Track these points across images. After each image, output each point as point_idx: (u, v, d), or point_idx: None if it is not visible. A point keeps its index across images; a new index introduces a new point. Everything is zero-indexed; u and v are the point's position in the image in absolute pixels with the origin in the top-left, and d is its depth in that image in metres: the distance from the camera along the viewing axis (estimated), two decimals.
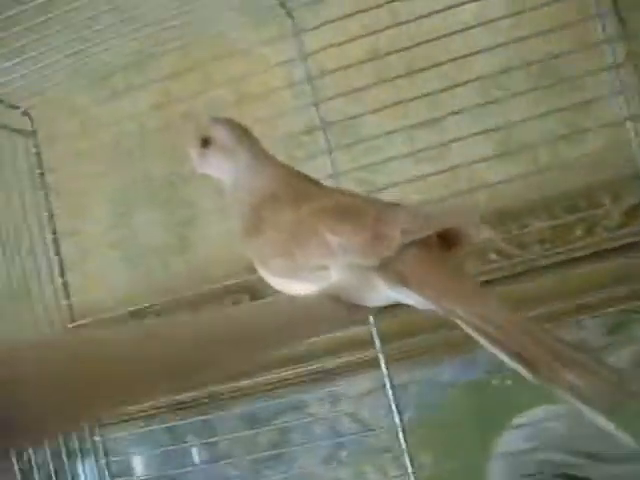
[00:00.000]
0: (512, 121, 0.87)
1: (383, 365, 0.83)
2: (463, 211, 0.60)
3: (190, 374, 0.39)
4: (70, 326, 0.93)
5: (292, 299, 0.59)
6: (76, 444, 0.95)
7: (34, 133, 0.94)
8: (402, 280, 0.56)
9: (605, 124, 0.82)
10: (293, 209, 0.60)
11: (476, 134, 0.86)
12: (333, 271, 0.58)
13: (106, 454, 0.92)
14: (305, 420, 0.92)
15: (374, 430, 0.89)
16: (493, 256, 0.85)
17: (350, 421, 0.92)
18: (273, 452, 0.92)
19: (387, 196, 0.91)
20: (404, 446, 0.82)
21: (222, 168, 0.65)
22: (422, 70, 0.89)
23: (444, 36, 0.85)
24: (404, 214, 0.58)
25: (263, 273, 0.62)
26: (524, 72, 0.89)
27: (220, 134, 0.65)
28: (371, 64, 0.92)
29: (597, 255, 0.81)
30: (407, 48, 0.89)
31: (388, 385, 0.83)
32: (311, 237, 0.58)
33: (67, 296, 0.93)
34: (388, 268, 0.56)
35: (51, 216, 0.93)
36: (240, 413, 0.93)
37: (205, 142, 0.65)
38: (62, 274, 0.93)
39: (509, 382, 0.88)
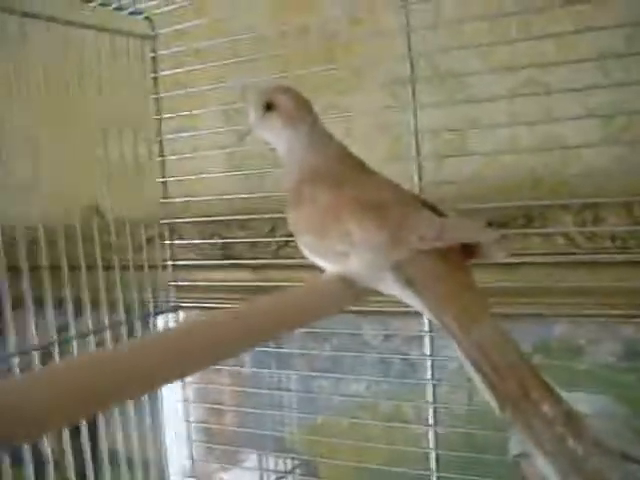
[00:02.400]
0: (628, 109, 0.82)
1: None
2: (483, 228, 0.60)
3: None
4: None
5: (313, 284, 0.64)
6: None
7: (154, 37, 1.01)
8: (410, 284, 0.59)
9: None
10: (330, 192, 0.63)
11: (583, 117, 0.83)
12: (353, 258, 0.61)
13: None
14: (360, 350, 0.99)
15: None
16: (561, 240, 0.84)
17: (400, 360, 0.97)
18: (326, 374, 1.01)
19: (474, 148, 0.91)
20: (430, 400, 0.87)
21: (279, 135, 0.68)
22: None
23: None
24: (424, 221, 0.59)
25: (298, 244, 0.66)
26: None
27: (285, 102, 0.68)
28: None
29: None
30: None
31: (427, 335, 0.88)
32: (338, 224, 0.61)
33: (165, 197, 1.03)
34: (401, 269, 0.59)
35: (160, 119, 1.02)
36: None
37: (268, 106, 0.68)
38: (163, 174, 1.03)
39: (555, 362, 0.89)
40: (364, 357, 0.99)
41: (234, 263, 1.04)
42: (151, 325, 1.02)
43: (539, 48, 0.86)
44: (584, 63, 0.83)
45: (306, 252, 0.66)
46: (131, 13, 0.96)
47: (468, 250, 0.60)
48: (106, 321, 0.93)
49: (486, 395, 0.53)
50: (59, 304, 0.90)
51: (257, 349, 1.06)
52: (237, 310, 0.55)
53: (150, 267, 1.02)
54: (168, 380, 0.45)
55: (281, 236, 1.00)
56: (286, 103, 0.68)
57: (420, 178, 0.85)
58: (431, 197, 0.86)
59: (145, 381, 0.44)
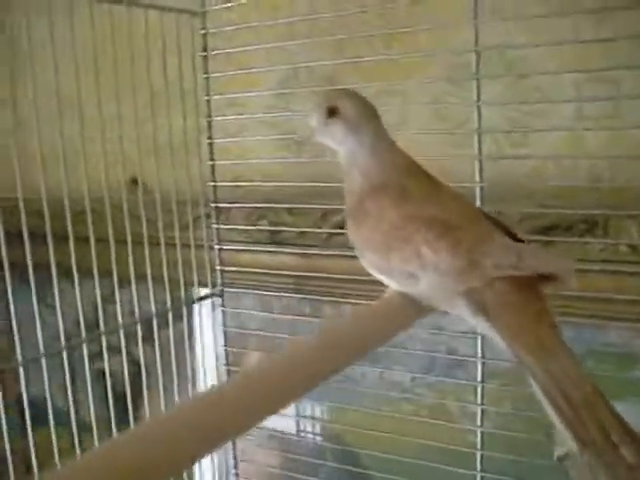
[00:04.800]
0: None
1: None
2: (559, 259, 0.58)
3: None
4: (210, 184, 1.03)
5: (378, 305, 0.63)
6: None
7: (204, 14, 0.97)
8: (483, 311, 0.58)
9: None
10: (395, 207, 0.61)
11: None
12: (423, 281, 0.59)
13: None
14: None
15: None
16: (624, 249, 0.81)
17: (445, 351, 0.96)
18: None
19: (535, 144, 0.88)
20: (479, 402, 0.87)
21: (343, 141, 0.66)
22: None
23: None
24: (500, 247, 0.57)
25: (360, 259, 0.64)
26: None
27: (348, 107, 0.65)
28: None
29: None
30: None
31: (479, 336, 0.87)
32: (408, 245, 0.59)
33: (213, 178, 1.01)
34: (473, 295, 0.58)
35: (209, 100, 0.99)
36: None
37: (331, 112, 0.65)
38: (211, 157, 1.00)
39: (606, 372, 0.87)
40: (410, 349, 0.98)
41: (283, 250, 1.03)
42: (197, 309, 1.01)
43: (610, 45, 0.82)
44: None
45: (370, 270, 0.64)
46: None
47: (540, 276, 0.58)
48: (152, 306, 0.93)
49: (564, 433, 0.52)
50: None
51: None
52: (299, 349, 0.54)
53: (196, 247, 1.01)
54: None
55: (331, 227, 0.99)
56: (350, 109, 0.65)
57: (482, 179, 0.82)
58: (489, 196, 0.86)
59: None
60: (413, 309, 0.62)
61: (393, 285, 0.63)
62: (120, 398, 0.99)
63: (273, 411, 0.47)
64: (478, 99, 0.81)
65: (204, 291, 1.04)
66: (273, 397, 0.47)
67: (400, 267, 0.60)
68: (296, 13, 1.00)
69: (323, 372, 0.53)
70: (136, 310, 0.92)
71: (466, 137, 0.87)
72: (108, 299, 0.94)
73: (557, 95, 0.86)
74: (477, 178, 0.82)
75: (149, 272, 0.92)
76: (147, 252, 0.91)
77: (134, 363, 0.99)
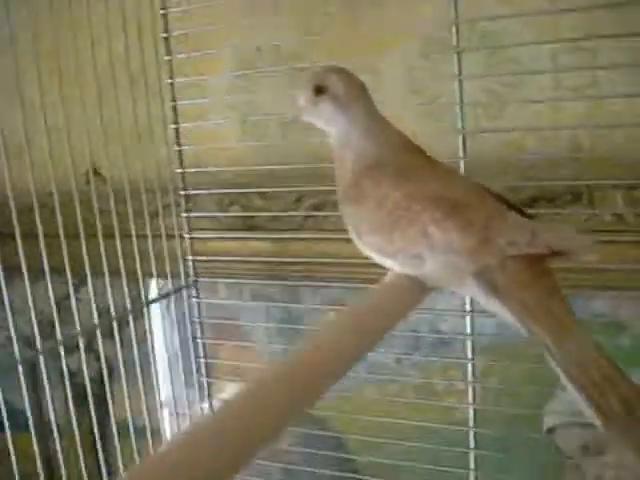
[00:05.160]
0: None
1: None
2: (575, 234, 0.56)
3: None
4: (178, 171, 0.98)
5: (381, 291, 0.60)
6: None
7: None
8: (495, 290, 0.56)
9: None
10: (396, 186, 0.58)
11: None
12: (430, 262, 0.57)
13: None
14: None
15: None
16: (608, 217, 0.81)
17: (429, 330, 0.95)
18: None
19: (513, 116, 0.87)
20: (470, 379, 0.86)
21: (332, 120, 0.63)
22: None
23: None
24: (512, 225, 0.55)
25: (356, 242, 0.62)
26: None
27: (336, 85, 0.62)
28: None
29: None
30: None
31: (469, 314, 0.85)
32: (413, 224, 0.57)
33: (181, 164, 0.96)
34: (484, 274, 0.56)
35: (173, 83, 0.94)
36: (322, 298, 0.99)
37: (318, 90, 0.63)
38: (178, 143, 0.96)
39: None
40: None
41: (256, 235, 1.00)
42: (172, 302, 0.97)
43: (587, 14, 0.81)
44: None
45: (370, 252, 0.62)
46: None
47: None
48: (128, 303, 0.88)
49: (586, 410, 0.51)
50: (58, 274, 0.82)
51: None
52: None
53: (166, 238, 0.95)
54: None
55: (306, 209, 0.96)
56: (339, 87, 0.62)
57: (465, 154, 0.80)
58: (469, 170, 0.84)
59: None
60: (417, 291, 0.60)
61: (396, 268, 0.61)
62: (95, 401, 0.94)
63: (276, 436, 0.41)
64: (459, 73, 0.79)
65: (177, 283, 0.99)
66: (274, 418, 0.41)
67: (404, 248, 0.58)
68: None
69: (328, 380, 0.48)
70: (111, 307, 0.86)
71: (444, 112, 0.86)
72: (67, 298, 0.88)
73: (535, 66, 0.85)
74: (460, 153, 0.80)
75: (122, 266, 0.86)
76: (119, 245, 0.86)
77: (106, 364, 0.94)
